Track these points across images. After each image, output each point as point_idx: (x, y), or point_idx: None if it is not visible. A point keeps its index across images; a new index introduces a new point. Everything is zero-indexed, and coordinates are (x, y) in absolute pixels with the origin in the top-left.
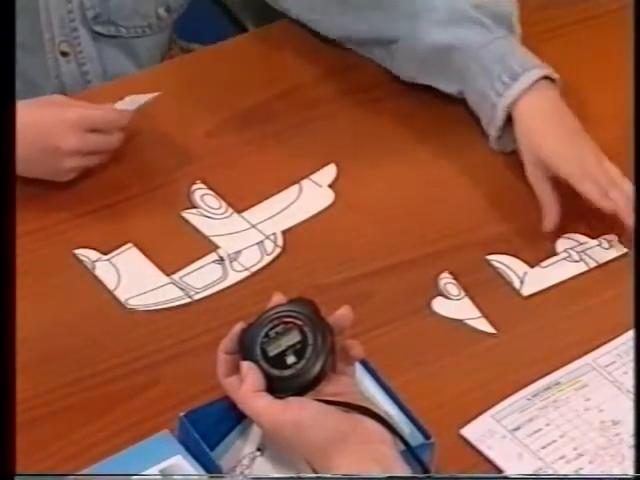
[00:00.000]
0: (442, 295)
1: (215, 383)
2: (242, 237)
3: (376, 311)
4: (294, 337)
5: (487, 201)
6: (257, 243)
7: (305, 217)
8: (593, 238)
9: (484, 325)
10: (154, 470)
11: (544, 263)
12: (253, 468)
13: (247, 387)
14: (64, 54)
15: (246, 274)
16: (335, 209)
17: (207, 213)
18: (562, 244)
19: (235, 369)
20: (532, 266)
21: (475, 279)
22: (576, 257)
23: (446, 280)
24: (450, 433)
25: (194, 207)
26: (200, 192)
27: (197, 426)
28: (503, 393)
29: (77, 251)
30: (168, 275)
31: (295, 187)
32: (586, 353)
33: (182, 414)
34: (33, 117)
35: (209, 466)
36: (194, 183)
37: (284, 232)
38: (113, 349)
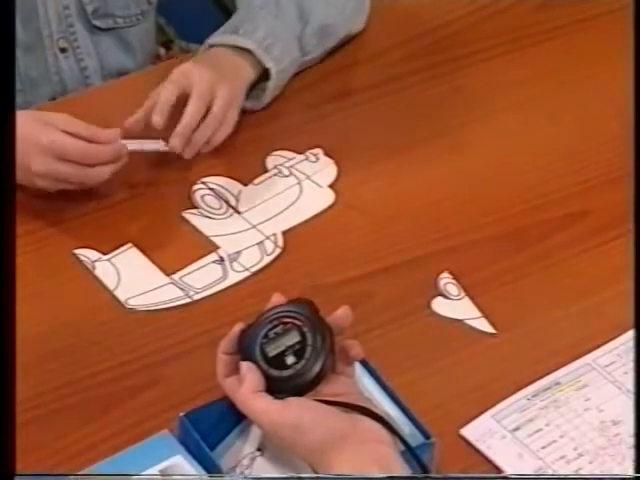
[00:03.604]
0: (442, 295)
1: (215, 383)
2: (242, 237)
3: (376, 311)
4: (293, 338)
5: (487, 201)
6: (257, 243)
7: (305, 217)
8: (299, 153)
9: (484, 325)
10: (154, 470)
11: (256, 180)
12: (253, 468)
13: (246, 387)
14: (63, 50)
15: (246, 274)
16: (335, 209)
17: (207, 213)
18: (271, 161)
19: (235, 369)
20: (245, 184)
21: (475, 279)
22: (286, 172)
23: (446, 280)
24: (450, 433)
25: (194, 207)
26: (200, 192)
27: (197, 426)
28: (503, 393)
29: (77, 251)
30: (168, 275)
31: (295, 187)
32: (586, 353)
33: (182, 414)
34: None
35: (209, 466)
36: (194, 183)
37: (284, 232)
38: (113, 349)
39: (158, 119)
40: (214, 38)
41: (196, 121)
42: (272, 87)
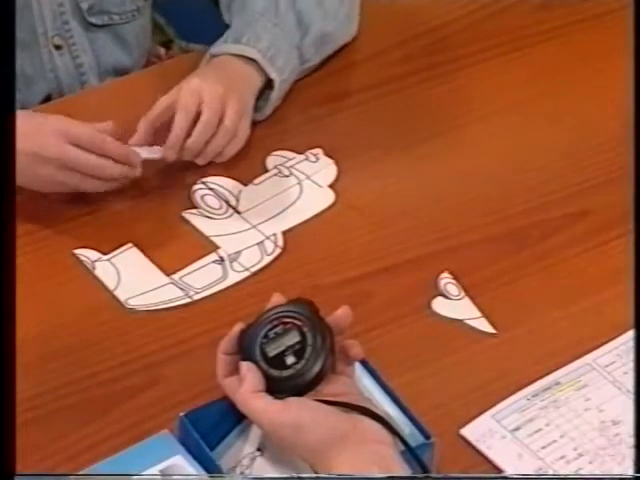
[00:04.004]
0: (442, 295)
1: (215, 383)
2: (242, 237)
3: (376, 311)
4: (293, 337)
5: (487, 201)
6: (257, 243)
7: (305, 217)
8: (299, 153)
9: (484, 325)
10: (154, 470)
11: (256, 180)
12: (253, 468)
13: (246, 387)
14: (58, 47)
15: (246, 274)
16: (335, 209)
17: (207, 213)
18: (271, 161)
19: (235, 370)
20: (245, 184)
21: (475, 279)
22: (286, 172)
23: (446, 280)
24: (450, 433)
25: (194, 207)
26: (200, 192)
27: (197, 426)
28: (503, 393)
29: (77, 251)
30: (168, 275)
31: (295, 187)
32: (586, 353)
33: (182, 414)
34: (18, 123)
35: (209, 466)
36: (194, 183)
37: (284, 232)
38: (113, 349)
39: (171, 154)
40: (217, 47)
41: (206, 137)
42: (275, 98)
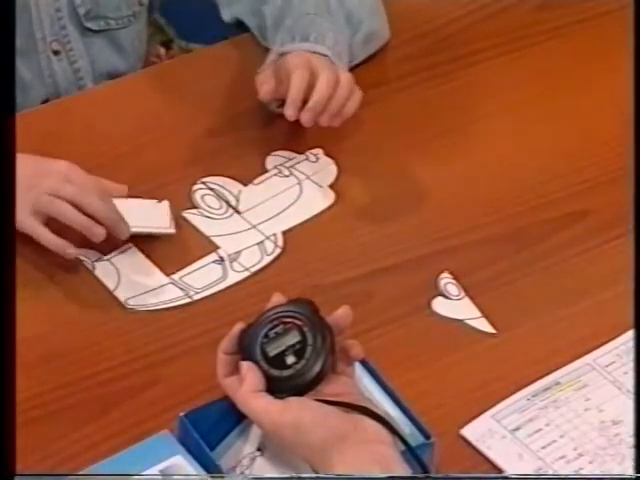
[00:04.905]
0: (442, 295)
1: (215, 383)
2: (242, 237)
3: (376, 311)
4: (294, 337)
5: (487, 201)
6: (257, 243)
7: (305, 217)
8: (299, 153)
9: (484, 325)
10: (154, 470)
11: (256, 180)
12: (253, 468)
13: (247, 387)
14: (56, 53)
15: (246, 274)
16: (335, 209)
17: (207, 213)
18: (271, 161)
19: (235, 369)
20: (245, 184)
21: (475, 279)
22: (286, 172)
23: (446, 280)
24: (450, 433)
25: (194, 207)
26: (200, 192)
27: (197, 426)
28: (503, 393)
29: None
30: (168, 275)
31: (295, 187)
32: (586, 353)
33: (182, 414)
34: (22, 159)
35: (209, 466)
36: (194, 183)
37: (284, 232)
38: (113, 349)
39: (291, 113)
40: (285, 47)
41: (328, 93)
42: None
